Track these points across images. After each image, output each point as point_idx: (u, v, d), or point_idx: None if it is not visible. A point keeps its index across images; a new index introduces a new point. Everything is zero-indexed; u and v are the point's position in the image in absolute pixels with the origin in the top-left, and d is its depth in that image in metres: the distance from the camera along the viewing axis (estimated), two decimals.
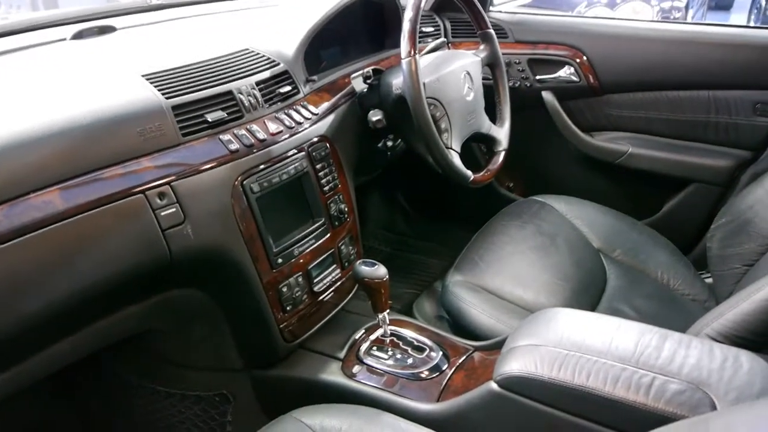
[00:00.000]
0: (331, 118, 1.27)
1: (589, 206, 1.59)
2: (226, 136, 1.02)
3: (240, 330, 1.15)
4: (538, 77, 1.83)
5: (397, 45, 1.22)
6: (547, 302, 1.27)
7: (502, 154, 1.48)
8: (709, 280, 1.43)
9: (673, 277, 1.41)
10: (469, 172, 1.32)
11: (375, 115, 1.33)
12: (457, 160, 1.31)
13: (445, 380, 1.08)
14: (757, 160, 1.58)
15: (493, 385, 0.88)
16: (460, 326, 1.26)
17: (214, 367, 1.21)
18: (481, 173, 1.39)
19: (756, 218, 1.20)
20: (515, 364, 0.86)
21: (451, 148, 1.31)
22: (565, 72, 1.78)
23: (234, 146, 1.02)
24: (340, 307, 1.30)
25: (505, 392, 0.86)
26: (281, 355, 1.18)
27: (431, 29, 1.85)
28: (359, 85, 1.37)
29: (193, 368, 1.23)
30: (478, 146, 1.95)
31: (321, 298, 1.22)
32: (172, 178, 0.92)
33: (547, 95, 1.83)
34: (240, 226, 1.03)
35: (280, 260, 1.11)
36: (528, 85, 1.84)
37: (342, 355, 1.17)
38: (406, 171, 2.04)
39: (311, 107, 1.23)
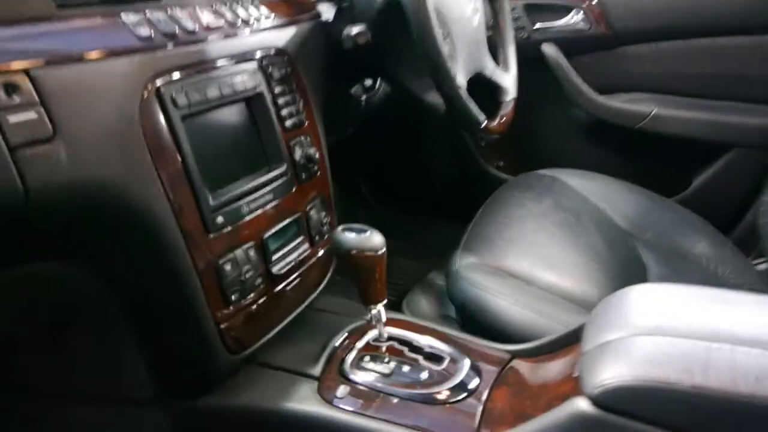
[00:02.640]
0: (291, 31, 0.94)
1: (608, 181, 1.36)
2: (133, 17, 0.69)
3: (152, 334, 0.77)
4: (537, 26, 1.60)
5: None
6: (590, 291, 1.02)
7: (512, 104, 1.19)
8: (763, 266, 1.27)
9: (721, 264, 1.17)
10: (482, 115, 1.02)
11: (355, 29, 0.99)
12: (467, 96, 0.98)
13: (482, 403, 0.73)
14: None
15: (583, 405, 0.56)
16: (483, 324, 0.96)
17: (108, 396, 0.84)
18: (495, 121, 1.09)
19: None
20: (621, 366, 0.55)
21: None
22: (571, 19, 1.56)
23: (145, 31, 0.68)
24: (306, 303, 0.92)
25: (608, 415, 0.54)
26: (222, 375, 0.80)
27: None
28: (327, 11, 1.04)
29: (73, 400, 0.84)
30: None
31: (281, 285, 0.84)
32: (34, 61, 0.57)
33: (548, 48, 1.59)
34: (153, 157, 0.66)
35: (220, 219, 0.73)
36: (524, 36, 1.60)
37: (317, 371, 0.81)
38: (370, 151, 1.75)
39: (264, 9, 0.89)
